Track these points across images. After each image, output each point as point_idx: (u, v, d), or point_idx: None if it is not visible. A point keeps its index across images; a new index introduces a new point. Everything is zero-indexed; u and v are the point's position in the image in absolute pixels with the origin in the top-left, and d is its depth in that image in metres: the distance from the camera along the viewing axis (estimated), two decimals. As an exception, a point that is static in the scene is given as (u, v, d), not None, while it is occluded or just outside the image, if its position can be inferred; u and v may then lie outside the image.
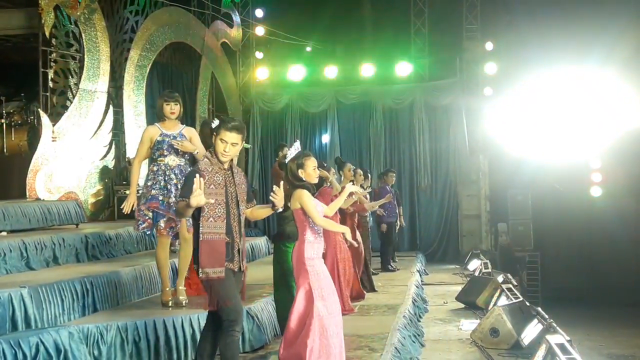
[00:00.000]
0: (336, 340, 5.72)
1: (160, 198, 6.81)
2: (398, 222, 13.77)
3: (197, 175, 4.90)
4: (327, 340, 5.67)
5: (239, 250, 5.08)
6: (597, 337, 13.95)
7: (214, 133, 7.57)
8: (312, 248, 5.83)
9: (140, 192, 6.97)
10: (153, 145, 6.92)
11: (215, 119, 7.93)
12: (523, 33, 17.07)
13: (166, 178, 6.87)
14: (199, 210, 4.94)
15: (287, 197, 5.78)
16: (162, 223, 6.84)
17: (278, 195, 5.23)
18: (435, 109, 17.90)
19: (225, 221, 5.03)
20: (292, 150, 5.97)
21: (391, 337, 7.39)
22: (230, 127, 5.12)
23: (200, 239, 4.96)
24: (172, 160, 6.92)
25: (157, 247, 7.06)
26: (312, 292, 5.74)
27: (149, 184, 6.86)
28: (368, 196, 11.71)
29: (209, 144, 7.65)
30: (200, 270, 4.95)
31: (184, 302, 7.01)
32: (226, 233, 5.02)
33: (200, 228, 4.97)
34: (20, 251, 7.50)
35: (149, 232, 7.12)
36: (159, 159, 6.90)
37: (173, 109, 6.97)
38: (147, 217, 6.82)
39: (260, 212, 5.44)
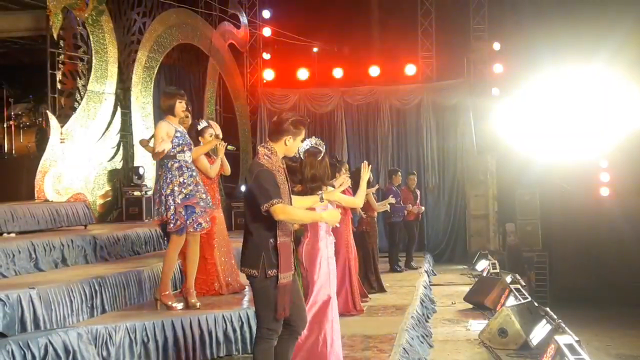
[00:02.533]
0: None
1: (198, 195, 6.82)
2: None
3: (272, 173, 4.78)
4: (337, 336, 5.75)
5: (293, 251, 4.98)
6: (605, 337, 13.91)
7: (200, 135, 7.70)
8: (332, 245, 5.90)
9: (163, 190, 6.80)
10: (171, 142, 6.82)
11: (203, 120, 7.99)
12: (530, 33, 17.04)
13: (192, 174, 6.88)
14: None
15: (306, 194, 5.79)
16: (199, 220, 6.82)
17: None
18: (443, 109, 17.90)
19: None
20: (309, 142, 5.95)
21: (399, 337, 7.39)
22: None
23: (278, 242, 4.76)
24: (189, 156, 6.92)
25: (172, 248, 6.90)
26: (331, 289, 5.80)
27: (180, 180, 6.77)
28: (375, 195, 11.75)
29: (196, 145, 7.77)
30: (279, 277, 4.74)
31: (197, 305, 6.97)
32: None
33: (277, 230, 4.77)
34: (29, 252, 7.51)
35: (180, 231, 6.83)
36: (178, 155, 6.83)
37: (184, 107, 6.96)
38: (182, 215, 6.74)
39: (302, 204, 5.39)
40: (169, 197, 6.73)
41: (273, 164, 4.87)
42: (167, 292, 6.97)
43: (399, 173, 13.63)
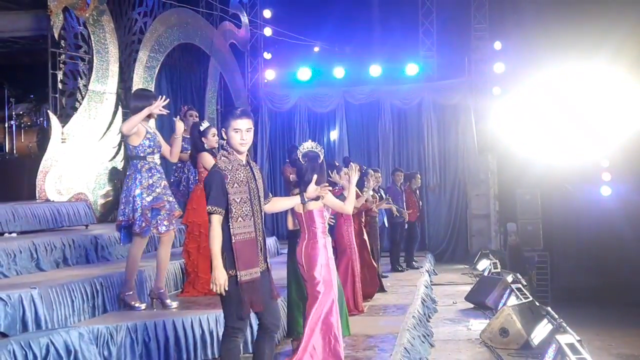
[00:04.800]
0: None
1: (165, 198, 6.81)
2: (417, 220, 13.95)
3: (221, 175, 4.82)
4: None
5: (261, 249, 4.95)
6: (606, 336, 13.91)
7: (203, 136, 7.68)
8: (330, 246, 5.92)
9: (131, 191, 6.77)
10: (141, 143, 6.77)
11: (204, 121, 7.98)
12: (531, 32, 17.04)
13: (161, 176, 6.86)
14: (226, 211, 4.83)
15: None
16: (163, 222, 6.81)
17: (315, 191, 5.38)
18: (444, 109, 17.89)
19: (252, 219, 4.91)
20: (306, 146, 5.96)
21: (400, 337, 7.39)
22: (239, 114, 4.93)
23: (233, 241, 4.80)
24: (157, 158, 6.90)
25: (136, 247, 6.87)
26: (333, 288, 5.84)
27: (150, 182, 6.74)
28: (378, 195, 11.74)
29: (198, 147, 7.72)
30: (238, 275, 4.78)
31: (174, 305, 7.00)
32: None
33: (231, 229, 4.81)
34: (30, 252, 7.51)
35: (147, 233, 6.85)
36: (148, 157, 6.81)
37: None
38: (147, 217, 6.72)
39: (281, 203, 5.44)
40: (137, 198, 6.70)
41: (231, 163, 4.90)
42: (130, 292, 6.94)
43: (399, 172, 13.60)
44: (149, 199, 6.73)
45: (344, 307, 6.81)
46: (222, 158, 4.93)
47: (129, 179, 6.81)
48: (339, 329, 5.80)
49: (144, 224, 6.71)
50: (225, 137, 4.97)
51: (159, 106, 6.70)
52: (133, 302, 6.91)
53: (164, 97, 6.83)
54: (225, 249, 4.82)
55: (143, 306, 6.93)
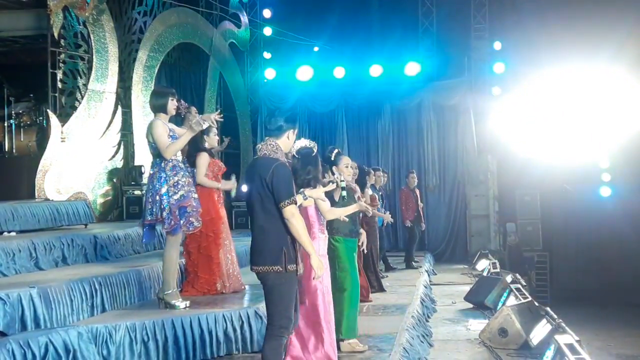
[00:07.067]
0: None
1: (191, 195, 6.80)
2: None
3: (289, 169, 4.99)
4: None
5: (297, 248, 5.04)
6: (606, 337, 13.91)
7: (205, 134, 7.71)
8: (324, 243, 5.90)
9: (156, 190, 6.76)
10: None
11: (204, 122, 8.00)
12: (531, 32, 17.02)
13: (185, 173, 6.85)
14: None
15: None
16: (191, 219, 6.80)
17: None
18: (444, 109, 17.89)
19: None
20: (300, 143, 5.96)
21: (399, 337, 7.39)
22: None
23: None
24: (179, 155, 6.91)
25: (170, 247, 6.89)
26: (323, 287, 5.81)
27: (175, 179, 6.73)
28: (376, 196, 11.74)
29: (198, 146, 7.74)
30: (298, 269, 4.94)
31: (183, 305, 6.96)
32: None
33: None
34: (30, 251, 7.50)
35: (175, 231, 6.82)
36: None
37: (176, 104, 6.98)
38: (175, 215, 6.71)
39: None
40: (164, 196, 6.69)
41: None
42: (170, 291, 6.95)
43: (378, 172, 13.16)
44: (175, 197, 6.72)
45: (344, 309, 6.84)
46: (274, 154, 5.03)
47: (154, 177, 6.81)
48: (329, 323, 5.78)
49: (173, 222, 6.71)
50: (289, 138, 5.20)
51: (200, 122, 6.76)
52: (174, 301, 6.89)
53: (217, 114, 7.13)
54: (285, 244, 4.89)
55: (183, 305, 6.90)
